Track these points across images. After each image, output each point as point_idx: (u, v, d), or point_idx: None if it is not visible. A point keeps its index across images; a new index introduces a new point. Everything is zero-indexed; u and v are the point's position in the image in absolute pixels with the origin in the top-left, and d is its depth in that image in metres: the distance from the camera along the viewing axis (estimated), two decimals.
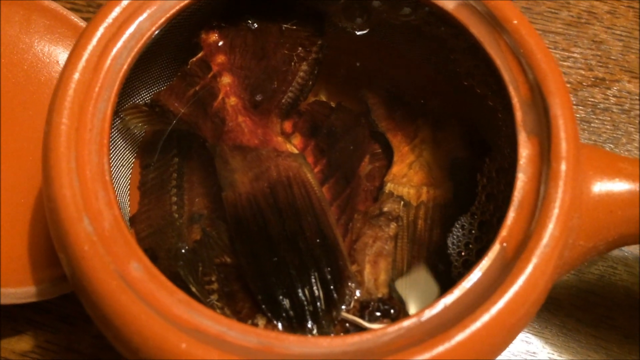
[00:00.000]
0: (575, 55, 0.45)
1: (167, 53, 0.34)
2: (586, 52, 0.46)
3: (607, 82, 0.45)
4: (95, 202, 0.26)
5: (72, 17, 0.40)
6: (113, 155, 0.34)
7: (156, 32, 0.29)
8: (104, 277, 0.24)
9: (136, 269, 0.25)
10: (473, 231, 0.31)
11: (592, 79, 0.45)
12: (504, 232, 0.26)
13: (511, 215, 0.26)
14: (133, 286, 0.24)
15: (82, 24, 0.40)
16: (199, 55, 0.34)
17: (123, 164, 0.35)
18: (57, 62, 0.39)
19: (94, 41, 0.28)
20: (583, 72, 0.45)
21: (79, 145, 0.26)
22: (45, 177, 0.26)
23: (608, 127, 0.43)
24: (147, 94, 0.35)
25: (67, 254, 0.25)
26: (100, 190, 0.26)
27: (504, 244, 0.26)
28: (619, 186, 0.28)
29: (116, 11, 0.28)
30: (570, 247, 0.27)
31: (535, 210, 0.26)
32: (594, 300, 0.39)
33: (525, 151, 0.27)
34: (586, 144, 0.30)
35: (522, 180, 0.27)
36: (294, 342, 0.24)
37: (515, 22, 0.29)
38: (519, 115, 0.28)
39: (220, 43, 0.34)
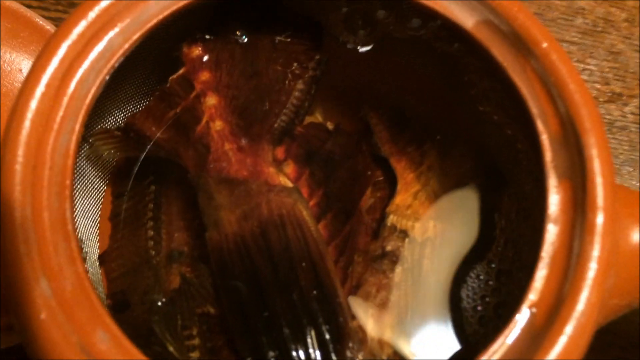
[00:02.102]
0: (590, 67, 0.42)
1: (143, 68, 0.30)
2: (602, 63, 0.42)
3: (625, 97, 0.42)
4: (55, 257, 0.22)
5: (37, 20, 0.35)
6: (80, 183, 0.30)
7: (129, 51, 0.25)
8: (64, 351, 0.21)
9: (102, 340, 0.21)
10: (490, 282, 0.27)
11: (609, 94, 0.42)
12: (532, 295, 0.23)
13: (540, 274, 0.23)
14: None
15: (49, 27, 0.35)
16: (180, 71, 0.30)
17: (92, 193, 0.31)
18: (20, 70, 0.35)
19: (55, 62, 0.24)
20: (599, 86, 0.42)
21: (36, 188, 0.22)
22: None
23: (625, 147, 0.40)
24: (120, 115, 0.31)
25: (21, 321, 0.21)
26: (61, 242, 0.22)
27: (533, 310, 0.22)
28: None
29: (82, 25, 0.24)
30: (602, 308, 0.24)
31: (569, 270, 0.23)
32: (610, 340, 0.36)
33: (555, 197, 0.24)
34: (619, 185, 0.26)
35: (552, 232, 0.23)
36: None
37: (544, 45, 0.25)
38: (548, 155, 0.24)
39: (205, 58, 0.30)
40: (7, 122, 0.23)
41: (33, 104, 0.23)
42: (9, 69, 0.35)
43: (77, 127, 0.24)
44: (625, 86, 0.42)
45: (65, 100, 0.24)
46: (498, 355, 0.22)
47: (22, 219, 0.22)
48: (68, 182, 0.23)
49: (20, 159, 0.22)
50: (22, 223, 0.22)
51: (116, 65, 0.25)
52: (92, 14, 0.24)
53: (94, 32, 0.24)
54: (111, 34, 0.25)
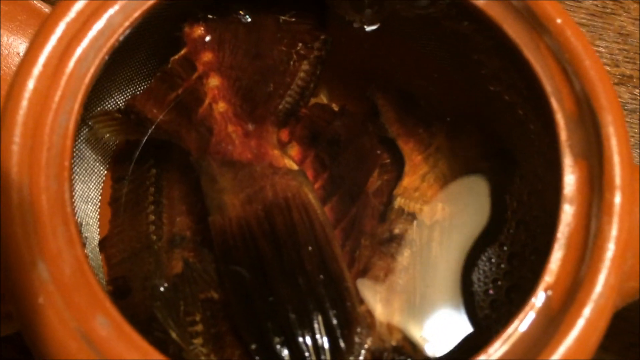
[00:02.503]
0: (600, 49, 0.41)
1: (144, 48, 0.30)
2: (612, 45, 0.42)
3: (635, 79, 0.41)
4: (54, 241, 0.21)
5: (35, 2, 0.34)
6: (79, 167, 0.30)
7: (129, 29, 0.24)
8: (62, 337, 0.20)
9: (102, 325, 0.21)
10: (502, 265, 0.27)
11: (619, 77, 0.41)
12: (547, 277, 0.22)
13: (556, 255, 0.22)
14: (98, 348, 0.20)
15: (47, 9, 0.35)
16: (182, 52, 0.29)
17: (92, 177, 0.30)
18: (18, 54, 0.34)
19: (53, 40, 0.23)
20: (609, 68, 0.41)
21: (34, 169, 0.22)
22: None
23: (636, 130, 0.40)
24: (120, 97, 0.31)
25: (19, 307, 0.21)
26: (59, 226, 0.21)
27: (549, 292, 0.22)
28: None
29: (80, 3, 0.24)
30: (619, 290, 0.23)
31: (586, 251, 0.22)
32: (623, 327, 0.35)
33: (571, 177, 0.23)
34: (637, 165, 0.26)
35: (568, 213, 0.23)
36: None
37: (559, 20, 0.25)
38: (563, 134, 0.24)
39: (207, 38, 0.29)
40: (4, 102, 0.23)
41: (30, 84, 0.22)
42: (7, 52, 0.34)
43: (76, 107, 0.23)
44: (635, 68, 0.41)
45: (64, 79, 0.23)
46: (513, 339, 0.21)
47: (19, 201, 0.21)
48: (67, 163, 0.22)
49: (17, 139, 0.22)
50: (19, 205, 0.21)
51: (116, 44, 0.24)
52: None
53: (93, 10, 0.24)
54: (111, 11, 0.24)
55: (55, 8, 0.24)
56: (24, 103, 0.22)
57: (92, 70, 0.23)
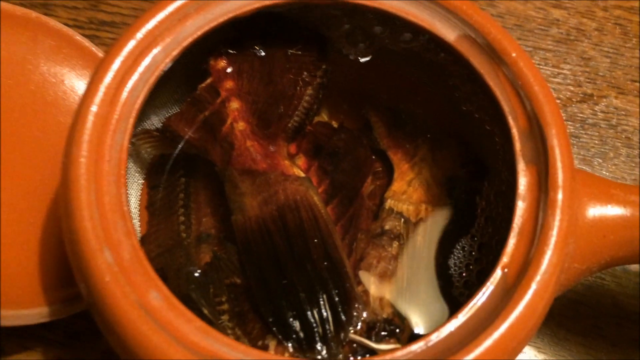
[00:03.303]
0: (564, 71, 0.47)
1: (176, 78, 0.35)
2: (575, 68, 0.47)
3: (595, 97, 0.46)
4: (115, 232, 0.26)
5: (77, 37, 0.40)
6: None
7: (169, 64, 0.30)
8: (125, 307, 0.25)
9: (155, 298, 0.26)
10: (473, 253, 0.32)
11: (581, 95, 0.46)
12: (504, 258, 0.27)
13: (511, 241, 0.28)
14: (153, 315, 0.25)
15: (87, 43, 0.40)
16: (208, 81, 0.34)
17: (132, 185, 0.35)
18: (63, 82, 0.40)
19: (111, 74, 0.29)
20: (572, 88, 0.47)
21: (98, 177, 0.27)
22: (66, 210, 0.27)
23: (596, 142, 0.45)
24: (155, 118, 0.36)
25: (89, 284, 0.26)
26: (119, 221, 0.27)
27: (505, 270, 0.27)
28: (612, 211, 0.30)
29: (131, 44, 0.29)
30: (566, 270, 0.29)
31: (534, 238, 0.27)
32: (583, 311, 0.40)
33: (524, 180, 0.29)
34: (579, 169, 0.31)
35: (521, 208, 0.28)
36: None
37: (514, 54, 0.30)
38: (517, 145, 0.29)
39: (229, 69, 0.35)
40: (72, 123, 0.28)
41: (94, 108, 0.28)
42: (54, 80, 0.40)
43: (129, 127, 0.28)
44: (595, 88, 0.47)
45: (119, 105, 0.28)
46: (477, 307, 0.26)
47: (87, 201, 0.27)
48: (123, 172, 0.28)
49: (84, 152, 0.27)
50: (87, 205, 0.26)
51: (159, 76, 0.30)
52: (139, 35, 0.29)
53: (141, 49, 0.29)
54: (155, 51, 0.30)
55: (111, 48, 0.29)
56: (89, 124, 0.28)
57: (141, 98, 0.29)
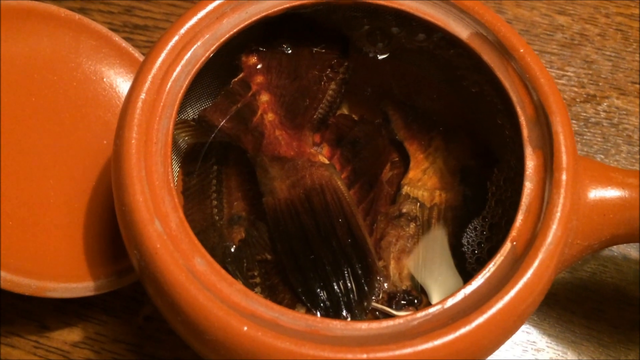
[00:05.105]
0: (569, 74, 0.50)
1: (210, 73, 0.37)
2: (579, 71, 0.50)
3: (598, 98, 0.49)
4: (163, 206, 0.29)
5: (116, 38, 0.43)
6: None
7: (207, 59, 0.33)
8: (174, 271, 0.28)
9: (200, 264, 0.28)
10: (484, 232, 0.35)
11: (585, 96, 0.49)
12: (513, 232, 0.30)
13: (520, 218, 0.30)
14: (199, 278, 0.28)
15: (124, 44, 0.43)
16: (240, 75, 0.37)
17: None
18: (102, 79, 0.43)
19: (157, 66, 0.32)
20: (576, 89, 0.49)
21: (147, 156, 0.30)
22: (119, 185, 0.30)
23: (599, 139, 0.48)
24: (191, 110, 0.39)
25: (140, 251, 0.29)
26: (166, 196, 0.30)
27: (514, 243, 0.30)
28: (611, 193, 0.32)
29: (174, 40, 0.32)
30: (569, 246, 0.31)
31: (541, 214, 0.30)
32: (587, 295, 0.43)
33: (531, 163, 0.31)
34: (582, 156, 0.34)
35: (528, 188, 0.31)
36: (337, 326, 0.27)
37: (521, 50, 0.33)
38: (525, 132, 0.32)
39: (259, 65, 0.38)
40: (123, 109, 0.31)
41: (142, 96, 0.31)
42: (94, 78, 0.43)
43: (174, 113, 0.31)
44: (598, 89, 0.49)
45: (165, 94, 0.31)
46: (489, 273, 0.29)
47: (139, 178, 0.29)
48: (168, 153, 0.31)
49: (135, 134, 0.30)
50: (139, 181, 0.29)
51: (199, 69, 0.33)
52: (182, 31, 0.33)
53: (183, 45, 0.32)
54: (195, 46, 0.33)
55: (156, 44, 0.32)
56: (139, 110, 0.31)
57: (183, 87, 0.32)
